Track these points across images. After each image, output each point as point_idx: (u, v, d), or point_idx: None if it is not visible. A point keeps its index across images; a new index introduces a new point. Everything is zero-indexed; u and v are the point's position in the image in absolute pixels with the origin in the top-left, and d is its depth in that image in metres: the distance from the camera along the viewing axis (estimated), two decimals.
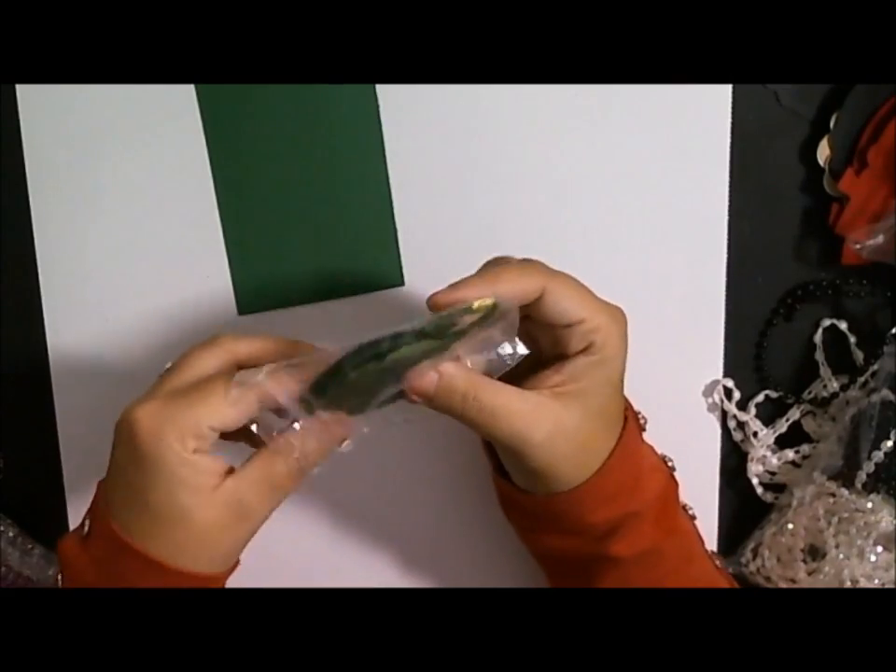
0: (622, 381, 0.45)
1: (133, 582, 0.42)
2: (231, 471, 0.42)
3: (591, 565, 0.46)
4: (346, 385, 0.40)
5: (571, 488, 0.43)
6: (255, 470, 0.42)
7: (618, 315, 0.44)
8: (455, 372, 0.41)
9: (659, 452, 0.49)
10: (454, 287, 0.42)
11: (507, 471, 0.46)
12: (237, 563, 0.45)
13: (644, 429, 0.49)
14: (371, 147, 0.53)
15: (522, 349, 0.43)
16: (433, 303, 0.41)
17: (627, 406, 0.46)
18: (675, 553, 0.46)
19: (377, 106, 0.53)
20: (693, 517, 0.49)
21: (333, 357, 0.40)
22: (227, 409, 0.41)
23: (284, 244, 0.54)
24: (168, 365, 0.44)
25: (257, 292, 0.54)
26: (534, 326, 0.44)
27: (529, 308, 0.43)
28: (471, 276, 0.43)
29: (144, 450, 0.40)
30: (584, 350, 0.43)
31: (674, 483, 0.48)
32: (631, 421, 0.46)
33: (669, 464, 0.49)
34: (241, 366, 0.43)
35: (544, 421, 0.42)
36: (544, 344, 0.45)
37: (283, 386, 0.41)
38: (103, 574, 0.42)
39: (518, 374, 0.43)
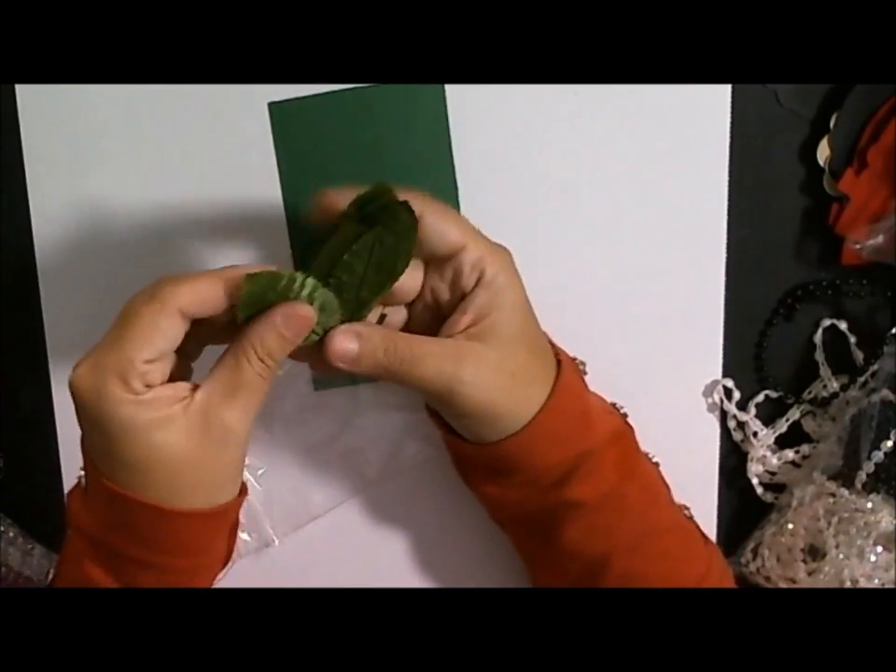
0: (530, 309, 0.45)
1: (139, 531, 0.42)
2: (195, 390, 0.41)
3: (553, 514, 0.46)
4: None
5: (519, 429, 0.44)
6: (219, 381, 0.41)
7: (500, 247, 0.45)
8: (369, 330, 0.42)
9: (610, 403, 0.50)
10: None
11: (455, 429, 0.47)
12: (244, 491, 0.44)
13: (585, 373, 0.49)
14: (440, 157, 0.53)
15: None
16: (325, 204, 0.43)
17: (560, 351, 0.47)
18: (638, 497, 0.47)
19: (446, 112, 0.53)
20: (658, 464, 0.50)
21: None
22: (155, 336, 0.39)
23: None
24: None
25: None
26: (433, 283, 0.45)
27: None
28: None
29: (95, 412, 0.40)
30: (478, 282, 0.43)
31: (629, 427, 0.49)
32: (567, 362, 0.47)
33: (622, 410, 0.50)
34: (191, 315, 0.41)
35: (468, 357, 0.43)
36: (445, 301, 0.45)
37: (202, 294, 0.40)
38: (106, 527, 0.42)
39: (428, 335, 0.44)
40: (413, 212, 0.42)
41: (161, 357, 0.40)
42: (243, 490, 0.44)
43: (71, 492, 0.45)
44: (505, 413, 0.44)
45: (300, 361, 0.45)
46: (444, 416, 0.46)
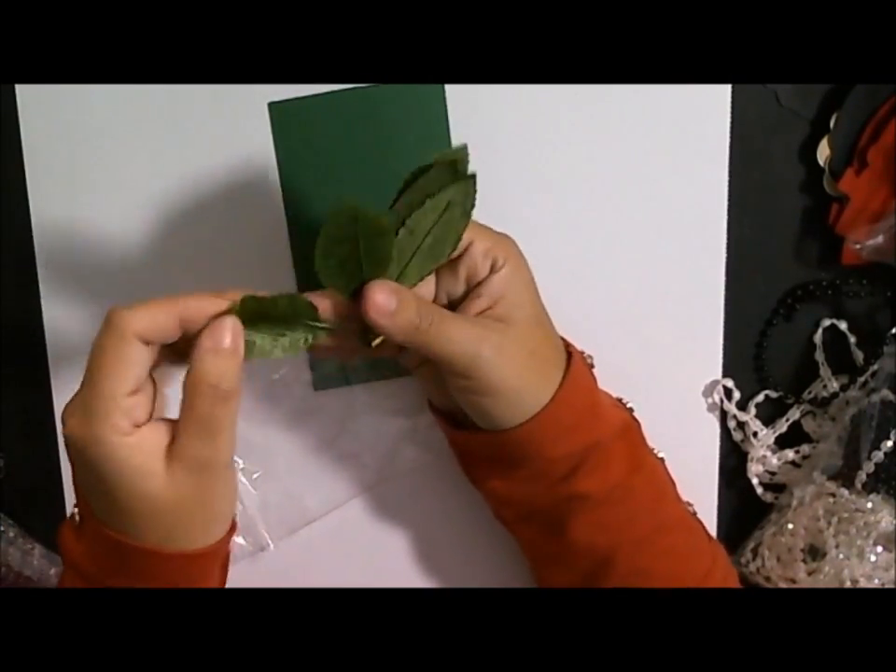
0: (539, 293, 0.46)
1: (138, 572, 0.42)
2: (173, 430, 0.40)
3: (560, 508, 0.46)
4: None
5: (532, 416, 0.44)
6: (187, 422, 0.40)
7: (504, 235, 0.45)
8: (403, 289, 0.43)
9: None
10: None
11: (461, 424, 0.47)
12: (234, 525, 0.44)
13: (593, 366, 0.50)
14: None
15: None
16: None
17: (570, 343, 0.48)
18: (645, 491, 0.47)
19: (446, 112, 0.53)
20: (663, 459, 0.50)
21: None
22: (121, 367, 0.39)
23: None
24: None
25: None
26: (446, 283, 0.45)
27: None
28: None
29: (88, 457, 0.39)
30: (491, 269, 0.44)
31: (636, 422, 0.49)
32: (577, 354, 0.47)
33: (628, 405, 0.50)
34: (148, 341, 0.40)
35: (493, 332, 0.43)
36: (458, 296, 0.46)
37: (156, 319, 0.39)
38: (102, 567, 0.42)
39: None
40: (474, 188, 0.42)
41: (138, 387, 0.40)
42: (233, 525, 0.44)
43: (63, 528, 0.44)
44: (526, 391, 0.44)
45: (337, 344, 0.44)
46: (461, 400, 0.45)
